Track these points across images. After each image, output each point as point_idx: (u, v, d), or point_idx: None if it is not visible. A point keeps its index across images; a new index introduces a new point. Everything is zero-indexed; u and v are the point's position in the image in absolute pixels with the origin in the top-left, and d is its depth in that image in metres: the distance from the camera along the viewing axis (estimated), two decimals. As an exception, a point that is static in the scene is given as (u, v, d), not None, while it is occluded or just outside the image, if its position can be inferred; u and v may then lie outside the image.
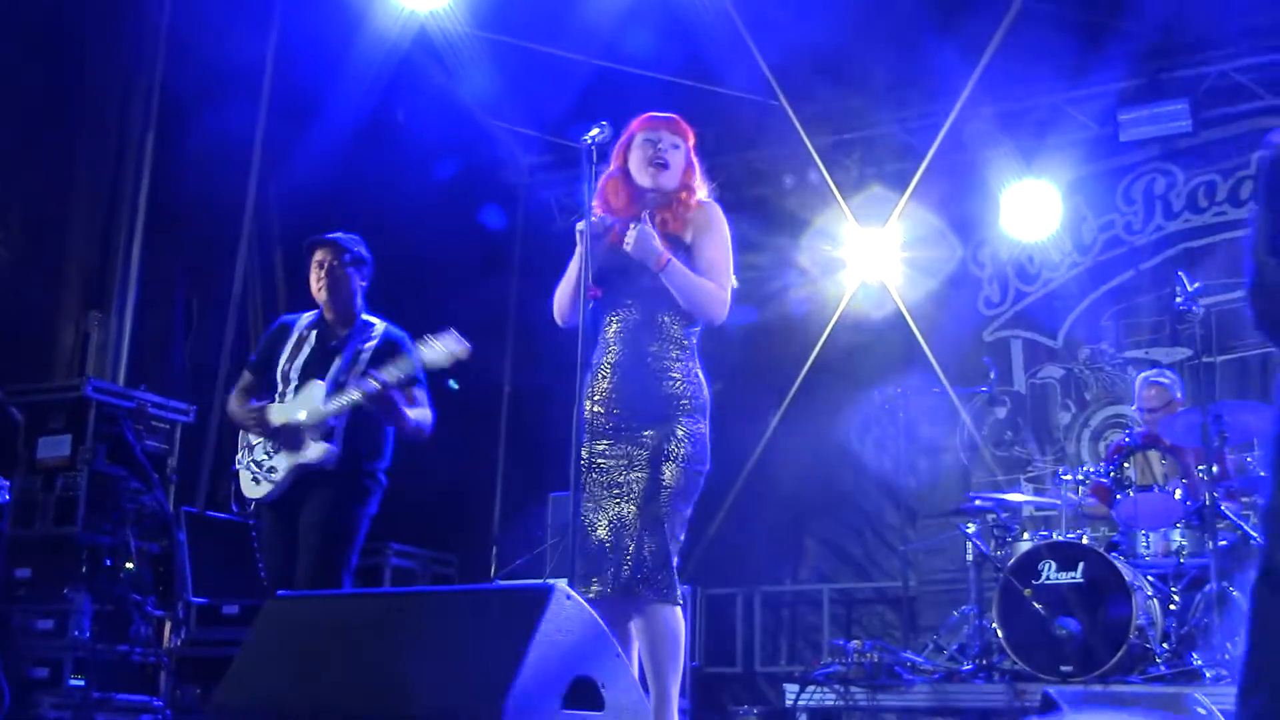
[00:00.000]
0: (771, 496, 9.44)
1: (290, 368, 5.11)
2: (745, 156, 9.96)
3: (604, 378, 4.14)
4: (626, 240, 4.07)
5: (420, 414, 5.07)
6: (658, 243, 4.07)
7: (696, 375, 4.19)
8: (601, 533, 4.02)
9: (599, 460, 4.10)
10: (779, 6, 7.87)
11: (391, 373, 4.87)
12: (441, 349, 4.84)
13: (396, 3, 7.44)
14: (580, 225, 4.10)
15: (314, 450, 4.92)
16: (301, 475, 4.96)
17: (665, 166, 4.22)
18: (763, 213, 9.94)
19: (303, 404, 4.98)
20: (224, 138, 8.01)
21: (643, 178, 4.23)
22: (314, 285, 5.18)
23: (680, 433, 4.06)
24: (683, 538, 4.09)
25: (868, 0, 7.93)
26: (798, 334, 9.59)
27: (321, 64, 7.98)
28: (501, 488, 10.12)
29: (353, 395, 4.86)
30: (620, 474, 4.06)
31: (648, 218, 4.12)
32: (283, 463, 4.98)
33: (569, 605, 2.92)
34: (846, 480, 9.39)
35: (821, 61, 8.60)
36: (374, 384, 4.82)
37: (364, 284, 5.24)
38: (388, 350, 5.09)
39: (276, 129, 8.36)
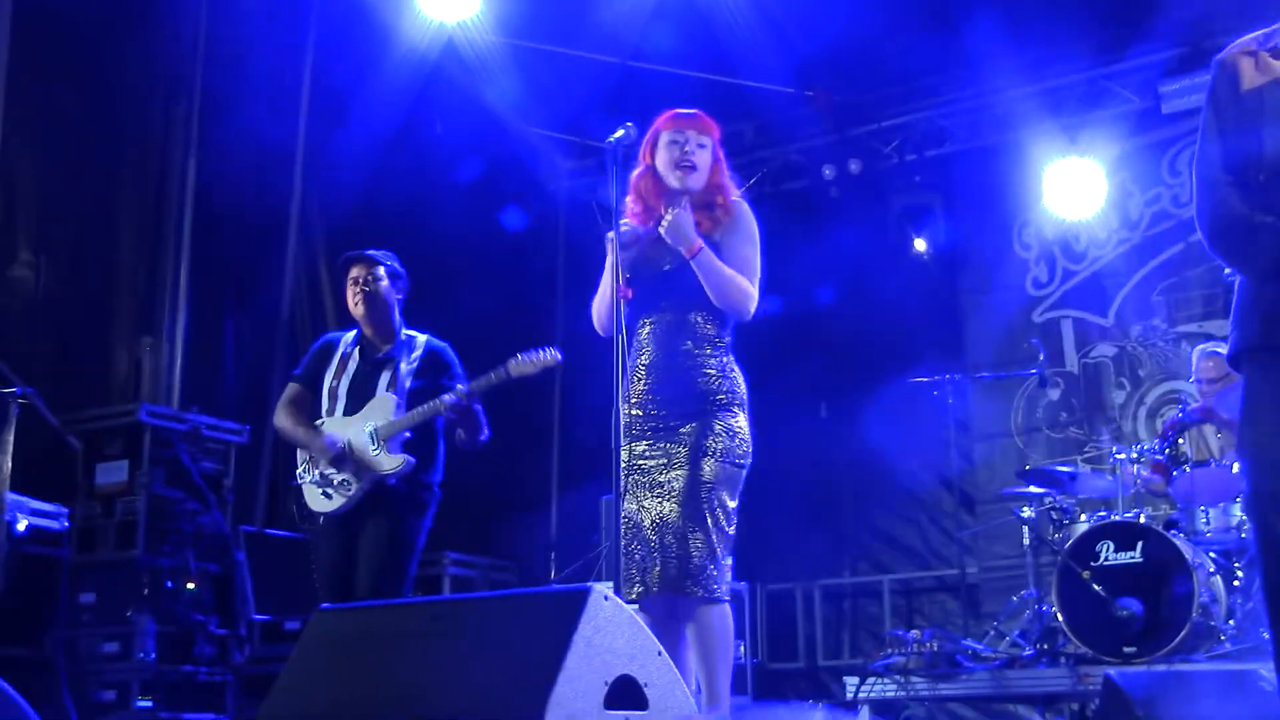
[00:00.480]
0: (826, 490, 9.42)
1: (337, 385, 5.17)
2: (781, 150, 9.93)
3: (639, 379, 4.14)
4: (664, 223, 4.06)
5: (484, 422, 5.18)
6: (692, 229, 4.05)
7: (732, 370, 4.17)
8: (647, 533, 4.01)
9: (640, 461, 4.09)
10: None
11: (475, 385, 4.95)
12: (532, 362, 4.93)
13: (425, 14, 7.46)
14: (610, 235, 4.09)
15: (391, 462, 4.98)
16: (373, 488, 5.01)
17: (693, 169, 4.21)
18: (803, 205, 9.92)
19: (372, 417, 5.03)
20: (264, 157, 8.10)
21: (671, 179, 4.22)
22: (351, 302, 5.23)
23: (718, 427, 4.05)
24: (732, 531, 4.07)
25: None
26: (842, 324, 9.53)
27: (355, 78, 8.04)
28: (557, 493, 10.14)
29: (436, 405, 4.91)
30: (661, 473, 4.05)
31: (688, 204, 4.10)
32: (358, 475, 5.02)
33: (608, 606, 2.91)
34: (900, 470, 9.31)
35: (851, 50, 8.54)
36: (458, 394, 4.87)
37: (400, 297, 5.28)
38: (431, 362, 5.17)
39: (315, 145, 8.43)
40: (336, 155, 8.19)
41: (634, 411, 4.11)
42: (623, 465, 3.96)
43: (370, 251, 5.25)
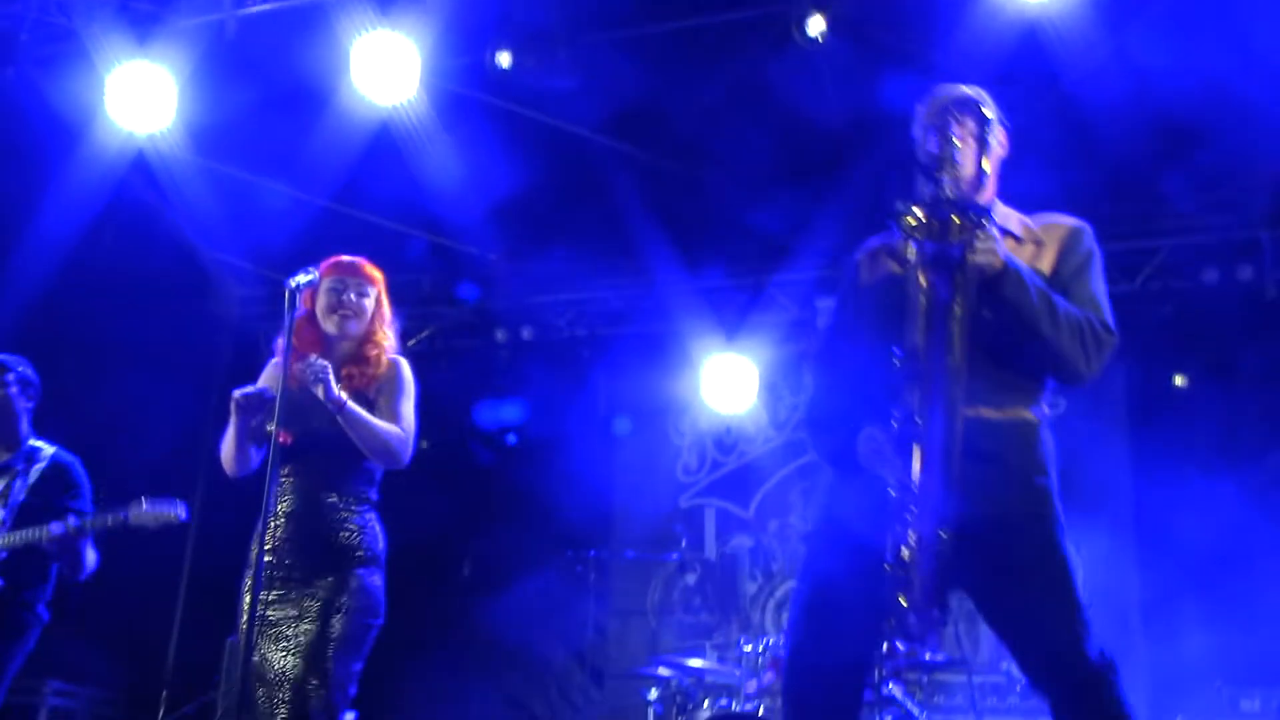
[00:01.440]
0: (462, 650, 9.27)
1: None
2: (461, 308, 9.99)
3: (278, 526, 4.02)
4: (303, 377, 3.98)
5: (90, 555, 4.87)
6: (336, 387, 3.98)
7: (374, 527, 4.13)
8: (264, 687, 3.87)
9: (270, 611, 3.96)
10: (506, 166, 7.98)
11: (91, 522, 4.66)
12: (154, 516, 4.61)
13: (116, 124, 7.17)
14: (236, 394, 4.02)
15: None
16: None
17: (350, 316, 4.18)
18: (475, 364, 9.97)
19: None
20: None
21: (328, 325, 4.19)
22: None
23: (354, 584, 3.98)
24: (352, 691, 3.99)
25: (593, 174, 8.15)
26: (498, 486, 9.55)
27: (31, 179, 7.61)
28: (179, 628, 9.58)
29: (37, 534, 4.58)
30: (289, 626, 3.94)
31: (329, 369, 4.03)
32: None
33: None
34: (538, 638, 9.30)
35: (545, 223, 8.75)
36: (66, 526, 4.56)
37: (30, 405, 4.98)
38: (53, 476, 4.86)
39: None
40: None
41: (269, 558, 3.99)
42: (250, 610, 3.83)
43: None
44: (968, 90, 3.21)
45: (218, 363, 9.86)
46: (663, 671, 7.22)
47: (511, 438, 9.72)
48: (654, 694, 7.19)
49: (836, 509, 3.17)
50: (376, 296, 4.28)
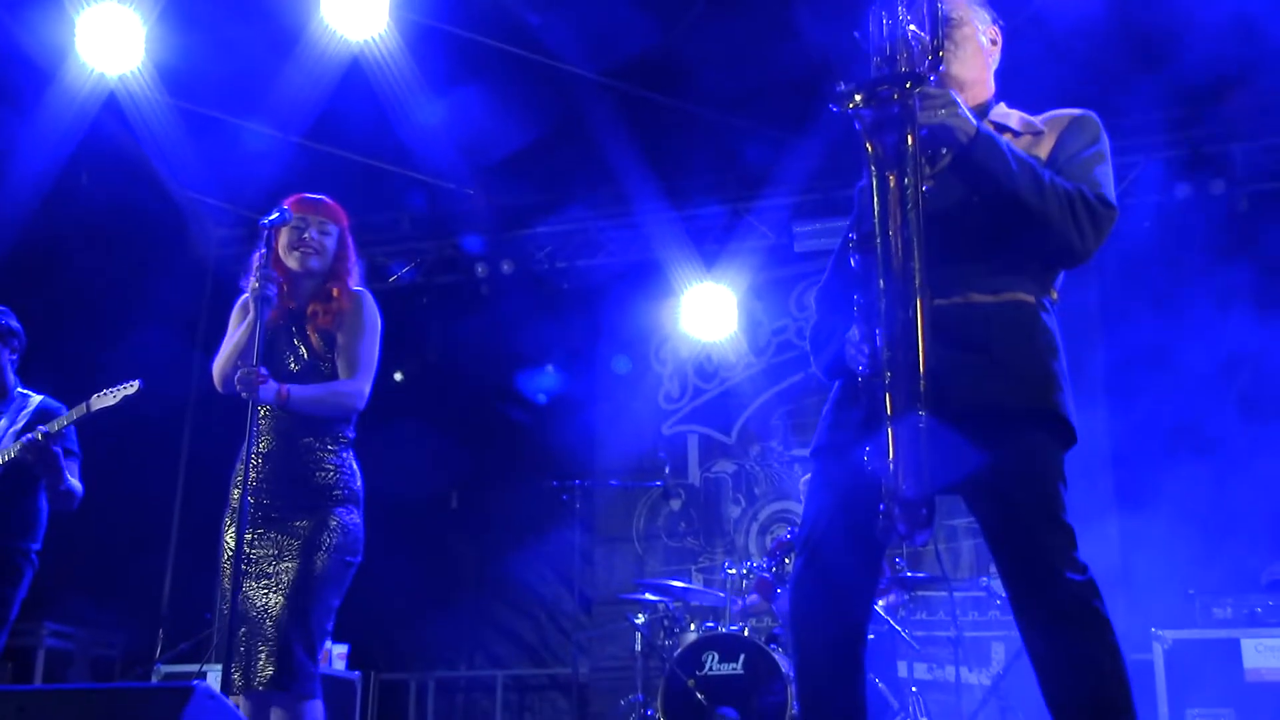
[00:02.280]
0: (451, 582, 9.34)
1: None
2: (441, 243, 9.95)
3: (254, 468, 4.02)
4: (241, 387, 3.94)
5: (72, 482, 4.83)
6: (277, 390, 3.98)
7: (351, 465, 4.15)
8: (247, 625, 3.90)
9: (250, 550, 3.99)
10: (482, 100, 7.91)
11: (52, 426, 4.62)
12: (112, 394, 4.58)
13: (86, 63, 7.08)
14: (244, 297, 4.01)
15: None
16: None
17: (312, 253, 4.17)
18: (456, 299, 9.95)
19: None
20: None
21: (290, 261, 4.17)
22: None
23: (333, 523, 4.00)
24: (330, 627, 4.02)
25: (568, 105, 8.08)
26: (481, 418, 9.57)
27: (5, 121, 7.52)
28: (172, 567, 9.61)
29: (9, 451, 4.59)
30: (270, 564, 3.97)
31: (260, 375, 3.95)
32: None
33: (211, 704, 2.78)
34: (525, 567, 9.37)
35: (517, 158, 8.69)
36: (35, 436, 4.55)
37: (14, 357, 4.98)
38: (41, 420, 4.84)
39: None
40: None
41: (251, 497, 4.01)
42: (235, 551, 3.88)
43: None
44: None
45: (197, 301, 9.82)
46: (649, 596, 7.29)
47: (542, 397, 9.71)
48: (641, 618, 7.27)
49: (831, 420, 3.06)
50: (340, 235, 4.25)
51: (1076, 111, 3.04)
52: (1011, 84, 3.25)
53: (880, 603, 6.70)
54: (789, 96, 8.13)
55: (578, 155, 8.64)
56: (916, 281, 2.63)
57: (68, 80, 7.28)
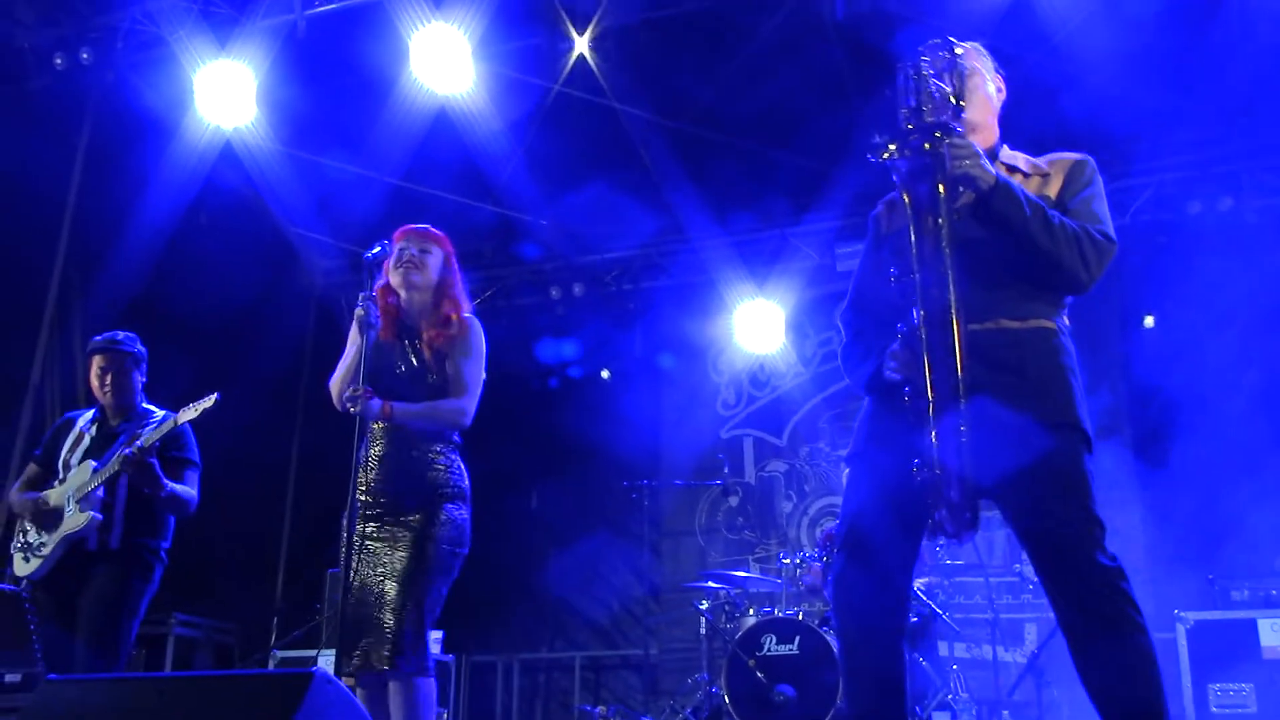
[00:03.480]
0: (533, 573, 9.34)
1: (70, 457, 4.82)
2: (519, 269, 9.98)
3: (371, 469, 4.03)
4: (349, 403, 3.94)
5: (185, 490, 4.76)
6: (380, 407, 3.97)
7: (459, 466, 4.14)
8: (365, 610, 3.89)
9: (368, 541, 3.99)
10: (554, 141, 7.93)
11: (149, 438, 4.54)
12: (194, 408, 4.53)
13: (203, 118, 7.17)
14: (358, 312, 4.02)
15: (77, 520, 4.59)
16: (72, 549, 4.62)
17: (413, 267, 4.15)
18: (534, 318, 9.98)
19: (72, 482, 4.69)
20: (27, 230, 7.53)
21: (394, 279, 4.18)
22: (97, 388, 4.89)
23: (442, 518, 4.00)
24: (438, 613, 4.01)
25: (630, 144, 8.09)
26: (560, 429, 9.57)
27: (130, 173, 7.62)
28: (286, 560, 9.70)
29: (112, 465, 4.57)
30: (386, 554, 3.97)
31: (366, 393, 3.93)
32: (51, 538, 4.64)
33: (330, 689, 2.77)
34: (599, 559, 9.36)
35: (588, 189, 8.71)
36: (131, 449, 4.51)
37: (143, 379, 4.98)
38: (155, 428, 4.69)
39: (83, 229, 7.88)
40: (105, 241, 7.65)
41: (365, 498, 4.01)
42: (347, 545, 3.86)
43: (115, 338, 4.92)
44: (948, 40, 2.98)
45: (305, 327, 9.92)
46: (712, 584, 7.25)
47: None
48: (705, 604, 7.22)
49: (868, 430, 3.06)
50: (445, 258, 4.25)
51: (1076, 156, 3.12)
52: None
53: (919, 582, 6.61)
54: (829, 131, 8.09)
55: (640, 188, 8.64)
56: (953, 310, 2.74)
57: (188, 133, 7.38)
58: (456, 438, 4.17)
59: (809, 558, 7.16)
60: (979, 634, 6.77)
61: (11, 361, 7.76)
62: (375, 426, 4.07)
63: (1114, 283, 8.28)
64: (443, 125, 7.48)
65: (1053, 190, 3.04)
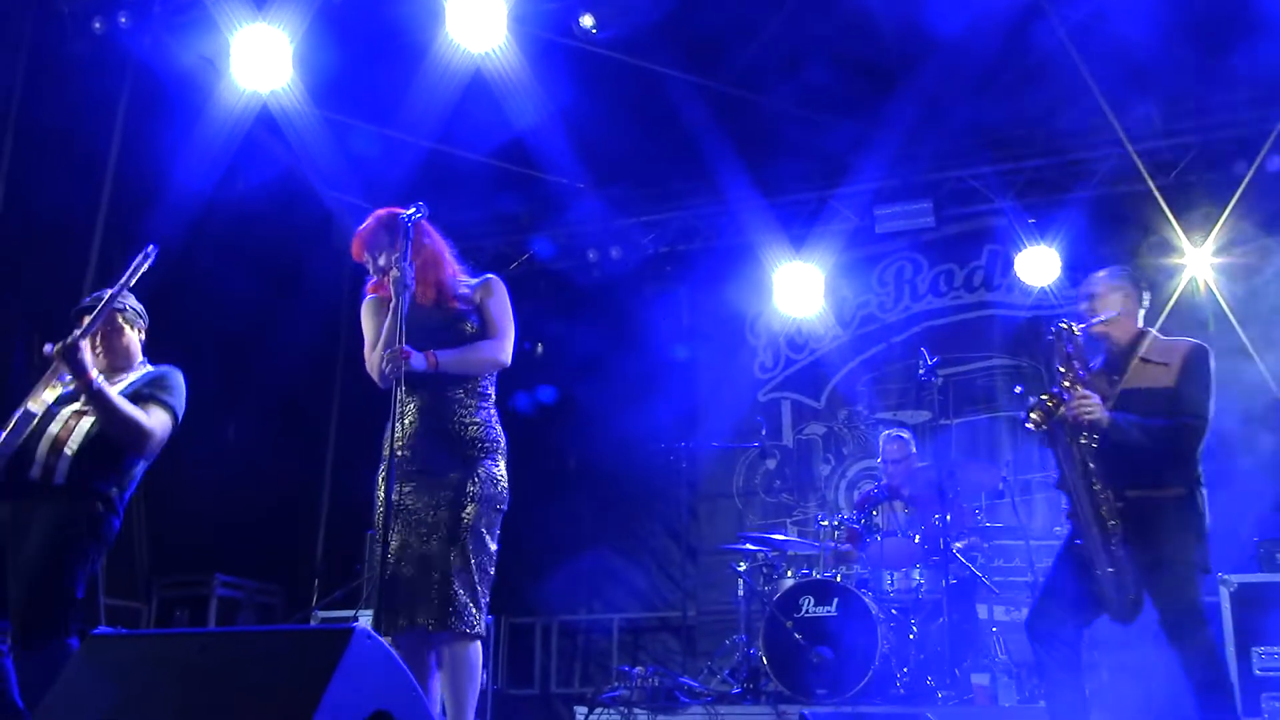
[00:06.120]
0: (571, 536, 9.37)
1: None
2: (556, 233, 9.95)
3: (410, 424, 4.01)
4: (386, 370, 3.85)
5: (136, 412, 4.15)
6: (425, 358, 3.90)
7: (494, 421, 4.11)
8: (410, 570, 3.88)
9: (406, 501, 3.95)
10: (589, 103, 7.88)
11: (87, 325, 4.09)
12: (130, 269, 4.12)
13: (239, 83, 7.17)
14: (370, 298, 3.99)
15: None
16: (11, 475, 4.04)
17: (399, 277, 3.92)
18: (571, 283, 9.97)
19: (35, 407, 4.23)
20: (70, 192, 7.58)
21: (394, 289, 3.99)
22: (87, 350, 4.16)
23: (481, 474, 3.97)
24: (492, 572, 3.99)
25: (669, 106, 8.03)
26: (596, 389, 9.57)
27: (167, 136, 7.63)
28: (326, 523, 9.79)
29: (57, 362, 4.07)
30: (427, 514, 3.93)
31: (403, 359, 3.82)
32: None
33: (369, 644, 2.78)
34: (636, 521, 9.39)
35: (625, 152, 8.67)
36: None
37: (143, 338, 4.52)
38: (152, 376, 4.39)
39: (122, 196, 7.90)
40: (141, 207, 7.67)
41: (404, 453, 3.97)
42: (391, 503, 3.84)
43: (100, 296, 4.39)
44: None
45: (340, 288, 9.95)
46: (749, 546, 7.25)
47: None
48: (743, 566, 7.22)
49: (1070, 537, 4.37)
50: (409, 245, 3.98)
51: (1191, 346, 4.33)
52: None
53: (958, 545, 6.59)
54: (868, 92, 8.01)
55: (678, 150, 8.58)
56: (1089, 497, 4.23)
57: (223, 96, 7.38)
58: (493, 391, 4.15)
59: (847, 520, 7.14)
60: (1018, 597, 6.75)
61: (57, 322, 7.82)
62: (408, 387, 4.02)
63: None
64: (478, 88, 7.44)
65: (1171, 377, 4.24)
